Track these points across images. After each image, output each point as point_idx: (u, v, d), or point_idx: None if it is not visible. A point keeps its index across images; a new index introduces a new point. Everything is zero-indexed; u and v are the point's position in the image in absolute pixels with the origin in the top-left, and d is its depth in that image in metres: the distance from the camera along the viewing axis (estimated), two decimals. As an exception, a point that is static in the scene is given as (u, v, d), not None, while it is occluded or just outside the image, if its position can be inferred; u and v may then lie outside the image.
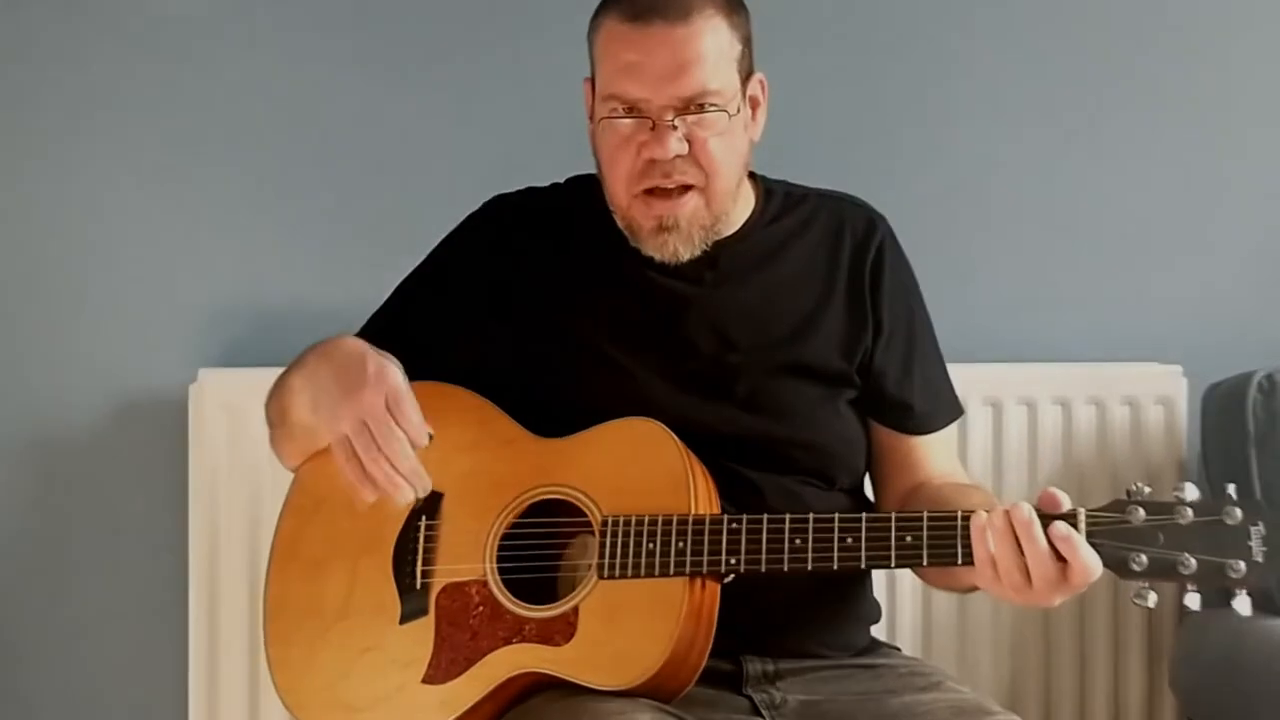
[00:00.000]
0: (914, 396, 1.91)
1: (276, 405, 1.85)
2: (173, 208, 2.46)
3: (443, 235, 1.99)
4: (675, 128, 1.74)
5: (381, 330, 1.94)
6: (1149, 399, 2.55)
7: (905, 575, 2.43)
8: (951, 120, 2.62)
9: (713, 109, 1.75)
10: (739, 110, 1.79)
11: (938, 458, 1.92)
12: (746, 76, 1.82)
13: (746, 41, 1.82)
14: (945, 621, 2.51)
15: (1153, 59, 2.66)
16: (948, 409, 1.95)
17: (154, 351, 2.46)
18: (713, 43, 1.75)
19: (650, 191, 1.78)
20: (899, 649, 1.95)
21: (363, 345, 1.78)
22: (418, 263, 1.98)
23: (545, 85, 2.51)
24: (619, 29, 1.76)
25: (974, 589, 1.74)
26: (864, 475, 1.92)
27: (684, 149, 1.75)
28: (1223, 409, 2.44)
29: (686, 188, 1.78)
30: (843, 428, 1.87)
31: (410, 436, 1.67)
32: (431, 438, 1.69)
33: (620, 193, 1.80)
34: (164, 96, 2.45)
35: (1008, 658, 2.53)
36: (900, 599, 2.47)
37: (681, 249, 1.80)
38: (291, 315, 2.44)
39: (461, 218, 1.99)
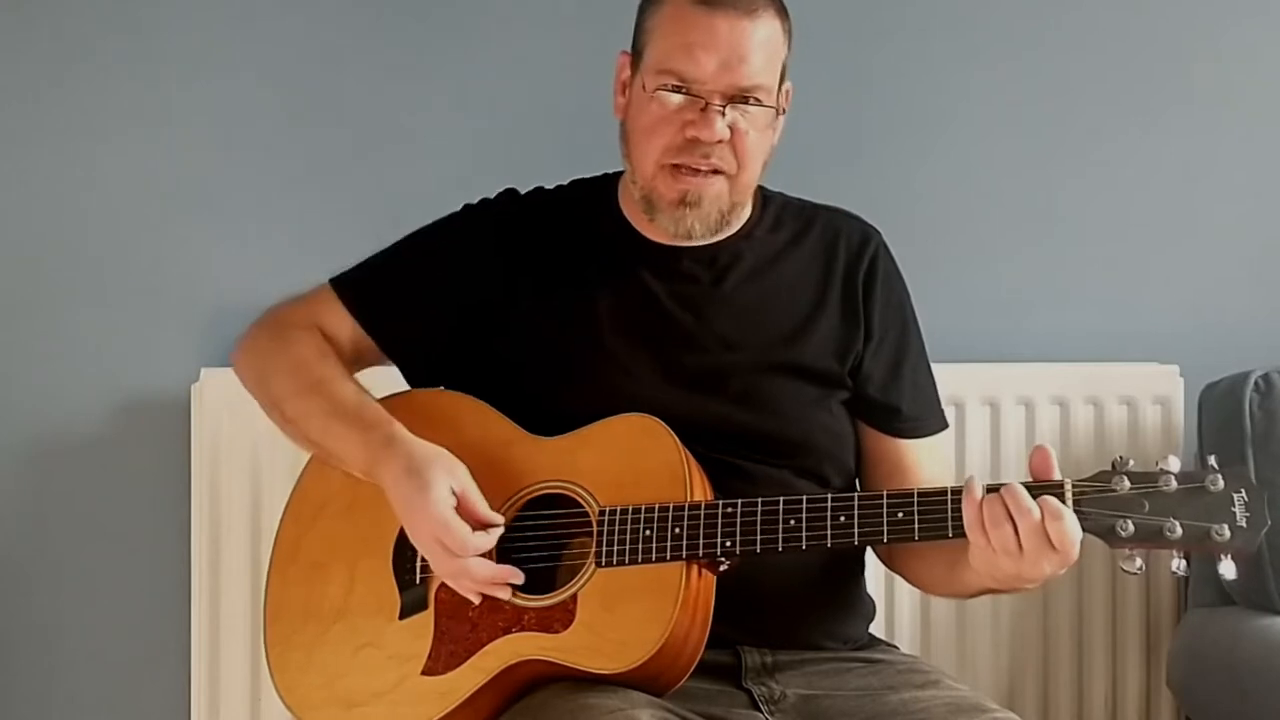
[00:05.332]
0: (902, 400, 1.93)
1: (301, 425, 1.86)
2: (175, 207, 2.46)
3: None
4: (723, 113, 1.79)
5: (369, 281, 1.94)
6: (1146, 399, 2.56)
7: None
8: (948, 120, 2.63)
9: (758, 104, 1.81)
10: (778, 111, 1.85)
11: (928, 465, 1.93)
12: (781, 81, 1.86)
13: (789, 48, 1.87)
14: (943, 620, 2.51)
15: (1151, 59, 2.67)
16: (935, 419, 1.97)
17: (156, 351, 2.45)
18: (770, 41, 1.81)
19: (678, 167, 1.81)
20: (897, 647, 1.96)
21: (416, 455, 1.75)
22: (419, 227, 1.97)
23: (550, 88, 2.52)
24: (687, 9, 1.79)
25: (974, 593, 1.77)
26: (854, 475, 1.93)
27: (727, 135, 1.80)
28: (1219, 409, 2.44)
29: (716, 171, 1.82)
30: (831, 423, 1.89)
31: (479, 546, 1.71)
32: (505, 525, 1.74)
33: (649, 162, 1.82)
34: (165, 96, 2.46)
35: (1006, 656, 2.53)
36: (898, 598, 2.48)
37: (698, 227, 1.84)
38: (293, 315, 2.44)
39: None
